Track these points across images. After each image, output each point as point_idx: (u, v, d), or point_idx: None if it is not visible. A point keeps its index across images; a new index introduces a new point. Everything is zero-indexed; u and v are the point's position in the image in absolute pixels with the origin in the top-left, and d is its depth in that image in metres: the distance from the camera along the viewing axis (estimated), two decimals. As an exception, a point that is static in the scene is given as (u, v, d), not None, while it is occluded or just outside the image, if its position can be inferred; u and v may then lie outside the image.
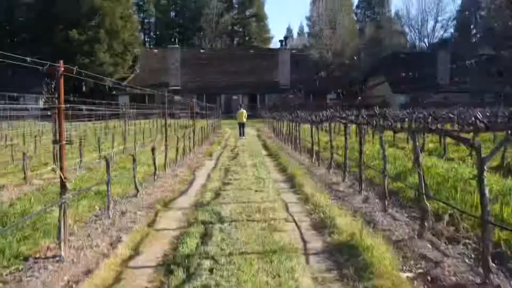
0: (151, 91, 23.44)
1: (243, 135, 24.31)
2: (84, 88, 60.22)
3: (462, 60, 58.37)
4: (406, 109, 39.30)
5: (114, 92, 50.07)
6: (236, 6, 69.30)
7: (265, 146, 18.78)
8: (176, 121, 37.42)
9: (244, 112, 24.51)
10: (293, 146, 16.71)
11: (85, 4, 49.33)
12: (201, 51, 57.87)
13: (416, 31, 69.57)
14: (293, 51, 56.98)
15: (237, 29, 69.38)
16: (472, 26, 75.62)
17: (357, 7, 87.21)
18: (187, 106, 45.28)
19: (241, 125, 24.44)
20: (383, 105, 46.41)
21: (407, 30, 72.81)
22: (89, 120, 34.97)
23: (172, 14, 78.72)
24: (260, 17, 70.09)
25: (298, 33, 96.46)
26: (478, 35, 74.35)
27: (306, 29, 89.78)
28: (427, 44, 67.64)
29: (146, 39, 78.01)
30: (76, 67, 5.25)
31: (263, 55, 57.57)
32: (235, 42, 69.57)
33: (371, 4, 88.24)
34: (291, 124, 17.23)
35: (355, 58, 59.18)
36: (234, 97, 49.88)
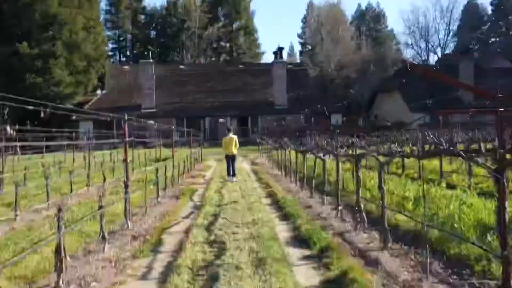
0: (107, 115, 14.50)
1: (234, 175, 15.39)
2: (42, 114, 51.13)
3: (485, 73, 51.19)
4: (427, 130, 31.04)
5: (74, 118, 40.97)
6: (222, 18, 61.05)
7: (279, 207, 9.70)
8: (148, 152, 28.46)
9: (234, 138, 15.64)
10: (342, 213, 7.77)
11: (38, 11, 40.63)
12: (181, 67, 49.27)
13: (424, 42, 62.25)
14: (289, 66, 48.63)
15: (223, 44, 61.02)
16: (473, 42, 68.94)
17: (350, 23, 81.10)
18: (160, 133, 36.75)
19: (230, 159, 15.53)
20: (398, 126, 38.30)
21: (410, 42, 65.43)
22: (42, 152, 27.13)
23: (153, 33, 70.51)
24: (249, 30, 61.80)
25: (288, 53, 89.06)
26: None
27: (297, 48, 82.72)
28: (439, 56, 60.19)
29: (121, 59, 69.44)
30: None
31: (254, 70, 49.19)
32: (221, 59, 61.16)
33: (365, 20, 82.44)
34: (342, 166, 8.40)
35: (355, 75, 50.91)
36: (221, 120, 41.09)
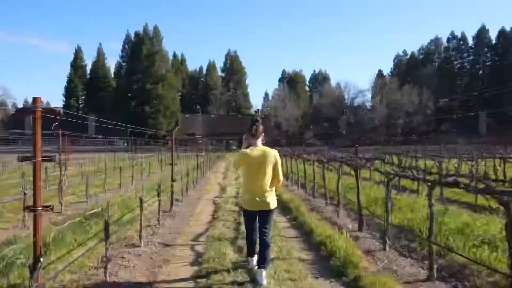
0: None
1: (262, 264, 5.00)
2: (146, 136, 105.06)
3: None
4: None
5: (166, 138, 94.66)
6: (231, 87, 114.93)
7: None
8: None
9: (271, 154, 5.25)
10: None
11: (151, 91, 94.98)
12: (212, 116, 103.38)
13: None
14: (263, 116, 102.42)
15: (231, 101, 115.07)
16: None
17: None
18: (199, 143, 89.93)
19: (257, 218, 5.21)
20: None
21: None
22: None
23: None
24: (245, 95, 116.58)
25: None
26: None
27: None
28: None
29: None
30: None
31: (244, 119, 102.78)
32: (230, 109, 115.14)
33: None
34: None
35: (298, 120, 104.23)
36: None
